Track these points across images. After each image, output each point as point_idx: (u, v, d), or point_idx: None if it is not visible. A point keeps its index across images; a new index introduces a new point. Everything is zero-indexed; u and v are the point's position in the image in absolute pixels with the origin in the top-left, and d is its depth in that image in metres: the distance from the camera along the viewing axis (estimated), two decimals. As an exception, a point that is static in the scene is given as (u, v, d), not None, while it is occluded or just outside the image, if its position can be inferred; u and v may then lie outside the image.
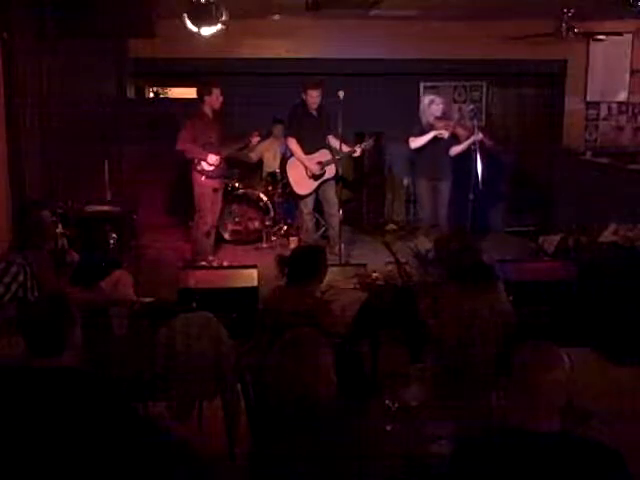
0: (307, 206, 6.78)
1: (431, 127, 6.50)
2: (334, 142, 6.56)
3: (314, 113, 6.56)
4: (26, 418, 2.18)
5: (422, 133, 6.51)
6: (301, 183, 6.70)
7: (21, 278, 3.91)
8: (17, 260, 3.95)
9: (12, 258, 3.98)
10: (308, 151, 6.61)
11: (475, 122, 6.64)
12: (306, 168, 6.60)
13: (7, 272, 3.90)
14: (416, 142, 6.56)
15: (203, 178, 6.36)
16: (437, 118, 6.51)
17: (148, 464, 2.23)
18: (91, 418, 2.20)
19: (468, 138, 6.42)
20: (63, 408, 2.19)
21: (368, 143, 6.68)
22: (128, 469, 2.19)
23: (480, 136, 6.35)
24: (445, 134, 6.45)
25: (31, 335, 2.33)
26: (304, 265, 3.70)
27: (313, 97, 6.47)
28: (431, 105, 6.50)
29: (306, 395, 2.11)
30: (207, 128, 6.35)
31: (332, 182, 6.70)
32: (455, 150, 6.52)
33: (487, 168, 6.31)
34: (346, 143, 6.56)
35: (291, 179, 6.78)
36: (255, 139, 6.65)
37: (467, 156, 6.43)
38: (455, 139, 6.53)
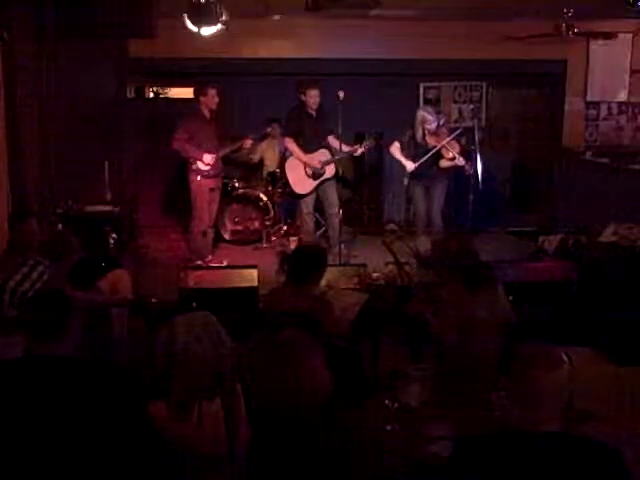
0: (307, 206, 6.78)
1: (423, 138, 6.51)
2: (334, 142, 6.55)
3: (313, 113, 6.56)
4: (26, 407, 2.19)
5: (411, 145, 6.53)
6: (300, 183, 6.70)
7: (45, 278, 3.95)
8: (44, 262, 3.99)
9: (38, 258, 4.01)
10: (307, 151, 6.61)
11: (475, 122, 6.64)
12: (305, 166, 6.60)
13: (35, 269, 3.95)
14: (393, 152, 6.65)
15: (199, 178, 6.36)
16: (430, 133, 6.50)
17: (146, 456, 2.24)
18: (92, 407, 2.21)
19: (452, 159, 6.41)
20: (64, 396, 2.21)
21: (369, 143, 6.67)
22: (126, 459, 2.20)
23: (461, 162, 6.35)
24: (411, 168, 6.45)
25: (31, 322, 2.38)
26: (306, 264, 3.70)
27: (313, 97, 6.45)
28: (423, 123, 6.47)
29: (297, 396, 2.11)
30: (203, 128, 6.35)
31: (332, 182, 6.69)
32: (443, 164, 6.52)
33: (487, 168, 6.31)
34: (346, 143, 6.56)
35: (290, 179, 6.78)
36: (248, 142, 6.63)
37: (467, 157, 6.43)
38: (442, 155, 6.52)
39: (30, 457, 2.16)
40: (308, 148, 6.60)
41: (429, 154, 6.39)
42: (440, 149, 6.40)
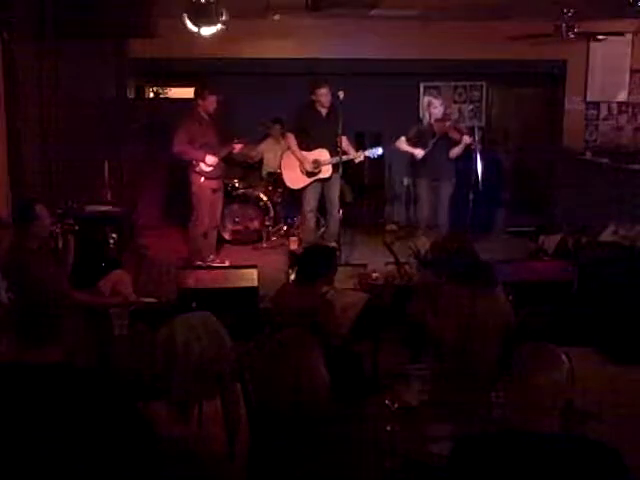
0: (309, 203, 6.78)
1: (430, 127, 6.54)
2: (346, 145, 6.58)
3: (323, 112, 6.55)
4: (18, 415, 2.18)
5: (417, 136, 6.56)
6: (294, 177, 6.73)
7: None
8: None
9: None
10: (306, 148, 6.63)
11: (475, 122, 6.66)
12: (300, 164, 6.63)
13: None
14: (400, 146, 6.69)
15: (202, 179, 6.36)
16: (436, 120, 6.54)
17: (144, 461, 2.22)
18: (86, 415, 2.19)
19: (459, 141, 6.44)
20: (56, 404, 2.19)
21: (374, 152, 6.64)
22: (124, 466, 2.18)
23: (468, 140, 6.37)
24: (420, 154, 6.49)
25: (21, 325, 2.33)
26: (315, 264, 3.71)
27: (321, 95, 6.45)
28: (429, 107, 6.57)
29: (297, 396, 2.11)
30: (202, 129, 6.33)
31: (335, 182, 6.65)
32: (454, 153, 6.53)
33: (487, 168, 6.32)
34: (356, 147, 6.62)
35: (284, 172, 6.83)
36: (238, 146, 6.63)
37: (467, 156, 6.44)
38: (452, 141, 6.54)
39: (20, 467, 2.14)
40: (308, 145, 6.61)
41: (437, 137, 6.42)
42: (447, 131, 6.42)
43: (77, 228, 4.63)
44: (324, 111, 6.52)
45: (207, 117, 6.39)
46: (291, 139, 6.66)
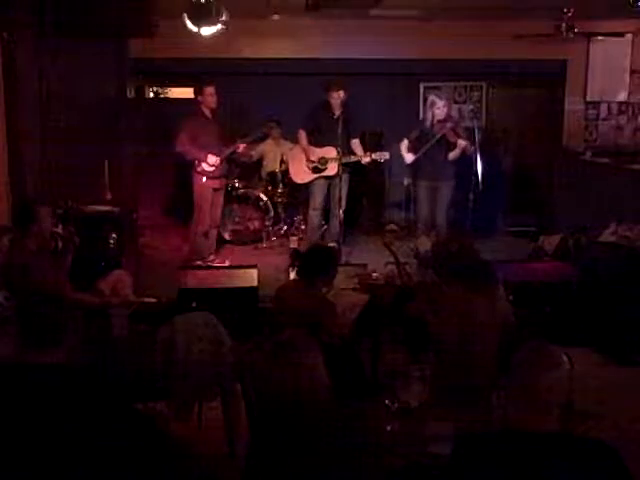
0: (315, 202, 6.82)
1: (432, 128, 6.52)
2: (357, 147, 6.64)
3: (335, 113, 6.60)
4: (18, 415, 2.18)
5: (419, 137, 6.55)
6: (299, 172, 6.78)
7: None
8: None
9: None
10: (315, 144, 6.68)
11: (475, 122, 6.64)
12: (307, 158, 6.67)
13: None
14: (400, 148, 6.69)
15: (204, 179, 6.37)
16: (438, 121, 6.52)
17: (144, 462, 2.22)
18: (86, 416, 2.19)
19: (455, 143, 6.43)
20: (56, 405, 2.19)
21: (381, 155, 6.66)
22: (123, 467, 2.18)
23: (463, 144, 6.35)
24: (410, 159, 6.52)
25: (28, 326, 2.33)
26: (316, 265, 3.71)
27: (334, 98, 6.57)
28: (432, 107, 6.53)
29: (297, 396, 2.11)
30: (206, 128, 6.35)
31: (340, 182, 6.65)
32: (452, 156, 6.51)
33: (487, 168, 6.32)
34: (369, 150, 6.64)
35: (290, 165, 6.91)
36: (241, 146, 6.64)
37: (467, 157, 6.43)
38: (451, 143, 6.52)
39: (21, 467, 2.14)
40: (317, 141, 6.68)
41: (434, 139, 6.39)
42: (446, 133, 6.40)
43: (78, 240, 4.62)
44: (337, 112, 6.58)
45: (210, 116, 6.40)
46: (302, 135, 6.75)
